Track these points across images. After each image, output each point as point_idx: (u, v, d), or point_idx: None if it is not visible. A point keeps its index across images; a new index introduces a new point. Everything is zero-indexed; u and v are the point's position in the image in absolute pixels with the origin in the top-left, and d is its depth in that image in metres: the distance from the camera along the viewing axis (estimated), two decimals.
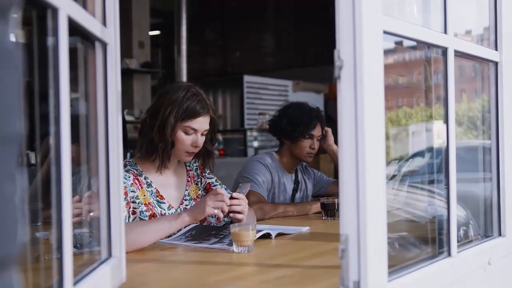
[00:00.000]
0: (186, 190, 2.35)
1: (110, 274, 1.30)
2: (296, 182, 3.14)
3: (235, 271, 1.69)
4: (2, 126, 0.56)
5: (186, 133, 2.21)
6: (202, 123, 2.23)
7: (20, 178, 0.60)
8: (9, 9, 0.58)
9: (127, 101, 7.17)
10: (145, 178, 2.22)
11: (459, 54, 1.59)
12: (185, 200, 2.33)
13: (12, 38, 0.60)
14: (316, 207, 2.82)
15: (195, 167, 2.44)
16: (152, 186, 2.23)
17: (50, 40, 1.02)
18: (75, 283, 1.09)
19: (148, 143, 2.21)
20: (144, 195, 2.18)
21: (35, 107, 1.03)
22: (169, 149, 2.20)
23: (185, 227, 2.15)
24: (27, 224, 0.62)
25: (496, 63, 1.81)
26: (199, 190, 2.40)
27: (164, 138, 2.18)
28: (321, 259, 1.82)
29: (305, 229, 2.35)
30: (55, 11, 0.99)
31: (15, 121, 0.58)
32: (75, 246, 1.14)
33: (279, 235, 2.18)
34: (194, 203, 2.32)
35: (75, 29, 1.12)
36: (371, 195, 1.16)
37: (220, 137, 7.61)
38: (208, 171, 2.46)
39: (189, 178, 2.39)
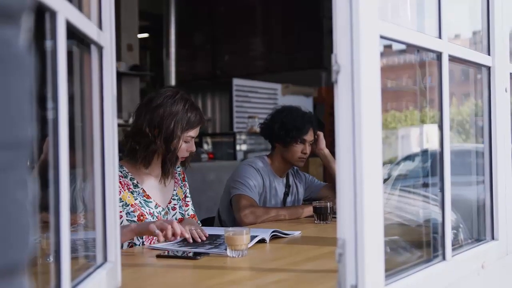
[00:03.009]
0: (174, 190, 2.43)
1: (106, 279, 1.30)
2: (288, 186, 3.14)
3: (230, 275, 1.68)
4: (15, 132, 0.56)
5: (185, 141, 2.30)
6: (198, 130, 2.35)
7: (30, 183, 0.59)
8: (20, 15, 0.58)
9: None
10: (130, 180, 2.28)
11: (452, 59, 1.60)
12: (173, 199, 2.41)
13: (24, 43, 0.59)
14: (308, 210, 2.82)
15: (178, 171, 2.52)
16: (138, 187, 2.28)
17: (48, 43, 1.01)
18: None
19: (151, 154, 2.27)
20: (129, 197, 2.23)
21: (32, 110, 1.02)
22: (175, 161, 2.29)
23: None
24: (37, 229, 0.62)
25: (488, 68, 1.82)
26: (183, 193, 2.49)
27: (171, 150, 2.25)
28: (315, 263, 1.82)
29: (297, 233, 2.35)
30: (53, 14, 0.99)
31: (27, 127, 0.58)
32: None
33: (274, 238, 2.18)
34: (181, 203, 2.43)
35: (71, 32, 1.11)
36: (368, 199, 1.16)
37: (209, 140, 7.59)
38: (185, 182, 2.54)
39: (176, 180, 2.47)
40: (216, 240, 2.11)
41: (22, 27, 0.59)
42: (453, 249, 1.56)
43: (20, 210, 0.57)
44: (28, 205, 0.58)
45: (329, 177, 3.34)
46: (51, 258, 1.06)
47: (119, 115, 6.97)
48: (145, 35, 10.20)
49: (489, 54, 1.82)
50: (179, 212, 2.41)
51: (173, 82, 8.48)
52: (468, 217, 1.94)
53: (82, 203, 1.48)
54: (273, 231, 2.19)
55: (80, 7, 1.25)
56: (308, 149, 3.03)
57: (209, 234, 2.20)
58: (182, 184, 2.50)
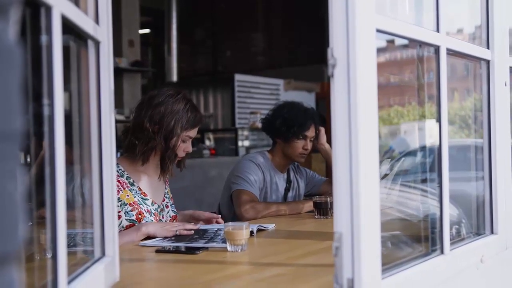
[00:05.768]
0: (166, 189, 2.48)
1: (104, 273, 1.30)
2: (289, 181, 3.14)
3: (229, 270, 1.69)
4: (4, 123, 0.56)
5: (183, 141, 2.33)
6: (196, 131, 2.38)
7: (20, 175, 0.60)
8: (9, 8, 0.58)
9: (117, 100, 7.09)
10: (126, 178, 2.31)
11: (451, 53, 1.59)
12: (166, 197, 2.46)
13: (12, 36, 0.60)
14: (309, 206, 2.82)
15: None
16: (134, 185, 2.31)
17: (43, 38, 1.02)
18: (69, 282, 1.08)
19: (150, 150, 2.28)
20: (128, 196, 2.27)
21: (28, 106, 1.02)
22: (173, 158, 2.32)
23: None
24: (27, 222, 0.63)
25: (488, 62, 1.82)
26: (171, 192, 2.54)
27: (169, 147, 2.28)
28: (314, 257, 1.82)
29: (271, 226, 2.38)
30: (48, 9, 0.99)
31: (16, 119, 0.59)
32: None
33: (259, 231, 2.24)
34: (172, 202, 2.48)
35: (67, 27, 1.11)
36: (364, 193, 1.16)
37: (211, 136, 7.60)
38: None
39: (166, 179, 2.50)
40: (205, 235, 2.12)
41: (11, 20, 0.59)
42: (452, 243, 1.56)
43: (10, 201, 0.57)
44: (18, 196, 0.59)
45: (331, 173, 3.33)
46: (50, 253, 1.06)
47: (121, 111, 6.97)
48: (147, 30, 10.20)
49: (488, 48, 1.82)
50: (172, 210, 2.46)
51: (174, 78, 8.49)
52: (468, 211, 1.94)
53: (82, 199, 1.49)
54: (258, 228, 2.24)
55: (76, 2, 1.25)
56: (309, 145, 3.03)
57: (197, 229, 2.22)
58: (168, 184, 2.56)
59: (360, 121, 1.15)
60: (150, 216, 2.28)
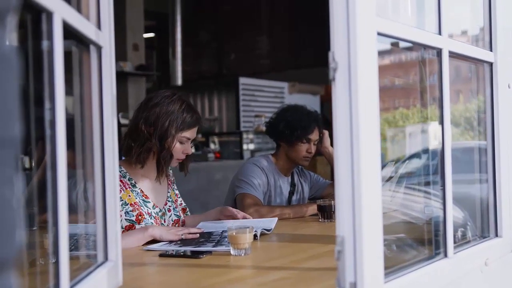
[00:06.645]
0: (168, 192, 2.47)
1: (107, 278, 1.30)
2: (293, 184, 3.14)
3: (233, 273, 1.69)
4: (2, 130, 0.56)
5: (181, 142, 2.33)
6: (194, 132, 2.37)
7: (18, 181, 0.60)
8: (6, 14, 0.58)
9: (121, 105, 7.14)
10: (129, 180, 2.32)
11: (453, 55, 1.59)
12: (168, 201, 2.45)
13: (10, 42, 0.60)
14: (313, 209, 2.81)
15: (171, 174, 2.56)
16: (136, 187, 2.32)
17: (44, 44, 1.02)
18: (72, 286, 1.09)
19: (146, 152, 2.29)
20: (129, 196, 2.27)
21: (30, 111, 1.02)
22: (169, 159, 2.31)
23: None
24: (24, 227, 0.63)
25: (491, 64, 1.81)
26: (175, 196, 2.52)
27: (165, 148, 2.28)
28: (318, 261, 1.82)
29: (274, 221, 2.41)
30: (49, 14, 0.99)
31: (13, 125, 0.59)
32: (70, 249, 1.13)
33: (263, 234, 2.22)
34: (175, 205, 2.47)
35: (69, 32, 1.11)
36: (366, 196, 1.16)
37: (216, 139, 7.59)
38: (174, 184, 2.58)
39: (169, 182, 2.50)
40: (211, 238, 2.12)
41: (8, 27, 0.59)
42: (456, 246, 1.55)
43: (7, 208, 0.57)
44: (15, 202, 0.59)
45: None
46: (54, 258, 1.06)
47: (125, 116, 6.97)
48: (151, 34, 10.21)
49: (491, 50, 1.81)
50: (174, 214, 2.45)
51: (179, 81, 8.49)
52: (473, 214, 1.93)
53: (87, 204, 1.49)
54: (261, 232, 2.22)
55: (78, 8, 1.26)
56: (313, 148, 3.02)
57: (202, 233, 2.22)
58: (173, 187, 2.54)
59: (361, 124, 1.15)
60: (150, 218, 2.28)
